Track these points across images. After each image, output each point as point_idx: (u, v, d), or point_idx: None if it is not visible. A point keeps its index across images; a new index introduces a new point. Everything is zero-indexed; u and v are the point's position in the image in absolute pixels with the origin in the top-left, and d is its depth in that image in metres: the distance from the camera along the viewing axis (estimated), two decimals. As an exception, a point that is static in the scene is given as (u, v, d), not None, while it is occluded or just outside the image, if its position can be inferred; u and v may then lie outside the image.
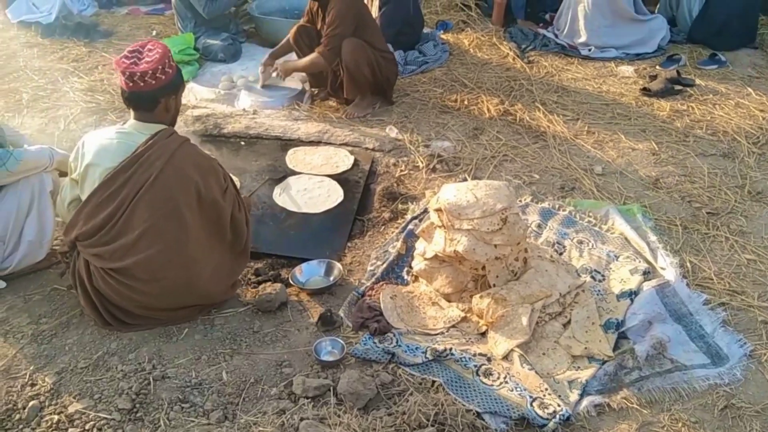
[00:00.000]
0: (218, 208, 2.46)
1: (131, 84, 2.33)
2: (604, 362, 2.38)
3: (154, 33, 5.70)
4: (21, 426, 2.13)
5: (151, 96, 2.37)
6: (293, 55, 4.44)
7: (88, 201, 2.38)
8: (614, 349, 2.42)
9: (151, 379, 2.28)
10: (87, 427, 2.11)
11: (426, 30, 5.43)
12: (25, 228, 2.68)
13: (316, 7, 4.19)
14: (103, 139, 2.41)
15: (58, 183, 2.75)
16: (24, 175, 2.61)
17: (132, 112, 2.43)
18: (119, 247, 2.35)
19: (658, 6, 5.68)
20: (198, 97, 4.56)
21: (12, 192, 2.63)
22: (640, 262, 2.85)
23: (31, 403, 2.19)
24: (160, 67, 2.33)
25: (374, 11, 4.91)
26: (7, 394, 2.24)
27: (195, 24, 5.24)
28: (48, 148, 2.72)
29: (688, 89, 4.59)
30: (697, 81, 4.70)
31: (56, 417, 2.15)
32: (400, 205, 3.34)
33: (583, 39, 5.29)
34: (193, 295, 2.51)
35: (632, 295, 2.64)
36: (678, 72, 4.73)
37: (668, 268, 2.79)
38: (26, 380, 2.29)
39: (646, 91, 4.57)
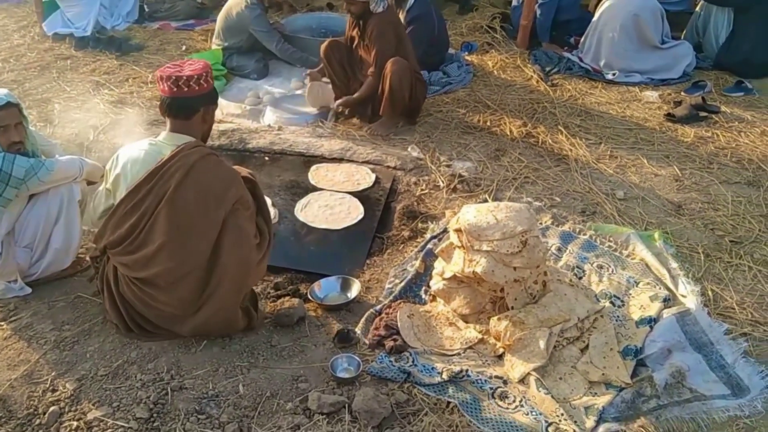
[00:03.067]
0: (238, 219, 2.42)
1: (175, 89, 2.35)
2: (621, 389, 2.35)
3: (183, 48, 5.83)
4: (41, 431, 2.17)
5: (193, 103, 2.40)
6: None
7: (115, 211, 2.43)
8: (632, 377, 2.39)
9: (169, 390, 2.30)
10: (104, 435, 2.14)
11: (450, 51, 5.48)
12: (53, 236, 2.74)
13: (355, 24, 4.27)
14: (134, 151, 2.45)
15: (86, 193, 2.82)
16: (55, 184, 2.67)
17: (168, 122, 2.45)
18: (141, 257, 2.39)
19: (684, 32, 5.67)
20: (224, 112, 4.65)
21: (42, 200, 2.70)
22: (660, 288, 2.82)
23: (51, 409, 2.23)
24: (204, 74, 2.38)
25: (399, 32, 4.97)
26: (28, 399, 2.28)
27: (237, 52, 5.29)
28: (78, 158, 2.79)
29: (713, 116, 4.57)
30: (723, 108, 4.68)
31: (75, 423, 2.18)
32: (419, 224, 3.36)
33: (607, 63, 5.29)
34: (212, 306, 2.48)
35: (652, 322, 2.62)
36: (703, 98, 4.71)
37: (689, 296, 2.76)
38: (47, 386, 2.33)
39: (670, 116, 4.55)
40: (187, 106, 2.40)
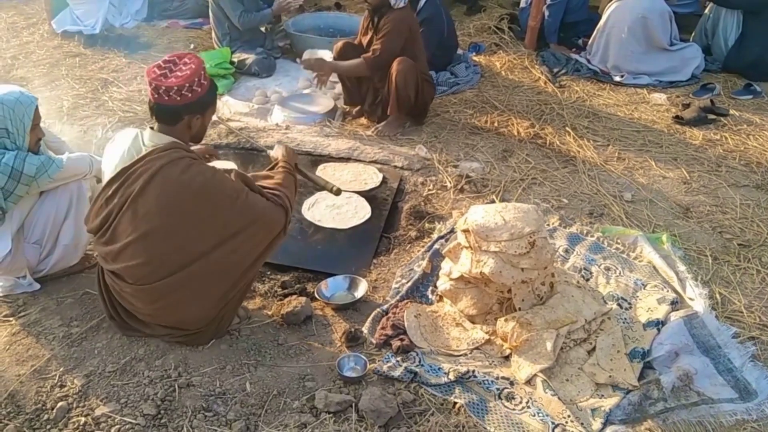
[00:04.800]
0: (210, 227, 2.29)
1: (156, 96, 2.27)
2: (628, 391, 2.35)
3: (192, 46, 5.84)
4: (49, 426, 2.17)
5: (175, 111, 2.30)
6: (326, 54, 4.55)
7: (96, 199, 2.40)
8: (639, 379, 2.39)
9: (177, 386, 2.31)
10: (112, 431, 2.14)
11: (459, 51, 5.47)
12: (62, 232, 2.75)
13: (368, 20, 4.25)
14: (119, 143, 2.42)
15: (96, 189, 2.83)
16: (65, 181, 2.69)
17: (156, 123, 2.38)
18: (109, 251, 2.36)
19: (693, 34, 5.66)
20: (232, 110, 4.66)
21: (51, 197, 2.71)
22: (668, 291, 2.81)
23: (59, 404, 2.24)
24: (187, 84, 2.25)
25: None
26: (37, 394, 2.29)
27: (231, 38, 5.39)
28: (88, 156, 2.80)
29: (722, 119, 4.55)
30: (732, 111, 4.66)
31: (83, 419, 2.19)
32: (426, 224, 3.36)
33: (615, 65, 5.28)
34: (177, 312, 2.41)
35: (659, 324, 2.61)
36: (712, 101, 4.69)
37: (697, 299, 2.75)
38: (56, 381, 2.34)
39: (678, 119, 4.54)
40: (170, 112, 2.31)
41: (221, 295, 2.42)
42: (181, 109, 2.30)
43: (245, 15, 5.24)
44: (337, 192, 2.93)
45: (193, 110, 2.33)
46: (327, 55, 4.68)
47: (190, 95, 2.28)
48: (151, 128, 2.39)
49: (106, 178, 2.41)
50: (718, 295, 2.85)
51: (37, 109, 2.64)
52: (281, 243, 2.54)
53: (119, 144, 2.42)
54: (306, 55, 4.77)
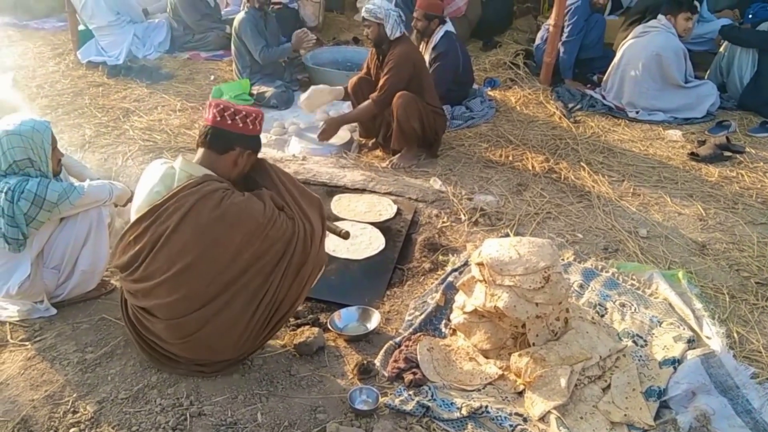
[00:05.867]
0: (243, 254, 2.29)
1: (219, 118, 2.30)
2: (644, 431, 2.31)
3: (212, 77, 5.96)
4: (60, 452, 2.18)
5: (230, 137, 2.33)
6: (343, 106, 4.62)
7: (123, 235, 2.41)
8: (655, 419, 2.35)
9: (188, 415, 2.31)
10: (123, 459, 2.15)
11: (474, 86, 5.53)
12: (80, 258, 2.79)
13: (375, 56, 4.34)
14: (150, 177, 2.42)
15: (115, 216, 2.88)
16: (85, 208, 2.74)
17: (200, 153, 2.40)
18: (140, 288, 2.36)
19: (707, 72, 5.68)
20: (250, 140, 4.72)
21: (71, 223, 2.76)
22: (684, 329, 2.78)
23: (71, 431, 2.24)
24: (253, 114, 2.36)
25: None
26: (49, 419, 2.30)
27: (251, 71, 5.50)
28: (108, 183, 2.86)
29: (738, 156, 4.54)
30: (748, 148, 4.65)
31: (94, 446, 2.20)
32: (440, 257, 3.36)
33: (630, 101, 5.31)
34: (211, 345, 2.41)
35: (675, 363, 2.58)
36: (728, 138, 4.69)
37: (714, 338, 2.71)
38: (68, 407, 2.35)
39: (694, 155, 4.54)
40: (225, 138, 2.34)
41: (248, 319, 2.39)
42: (236, 138, 2.35)
43: (266, 50, 5.38)
44: (346, 235, 2.93)
45: (246, 144, 2.39)
46: (325, 90, 4.67)
47: (251, 126, 2.37)
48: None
49: (134, 210, 2.43)
50: (735, 334, 2.81)
51: (51, 132, 2.71)
52: (309, 260, 2.46)
53: (150, 177, 2.43)
54: (304, 97, 4.65)
